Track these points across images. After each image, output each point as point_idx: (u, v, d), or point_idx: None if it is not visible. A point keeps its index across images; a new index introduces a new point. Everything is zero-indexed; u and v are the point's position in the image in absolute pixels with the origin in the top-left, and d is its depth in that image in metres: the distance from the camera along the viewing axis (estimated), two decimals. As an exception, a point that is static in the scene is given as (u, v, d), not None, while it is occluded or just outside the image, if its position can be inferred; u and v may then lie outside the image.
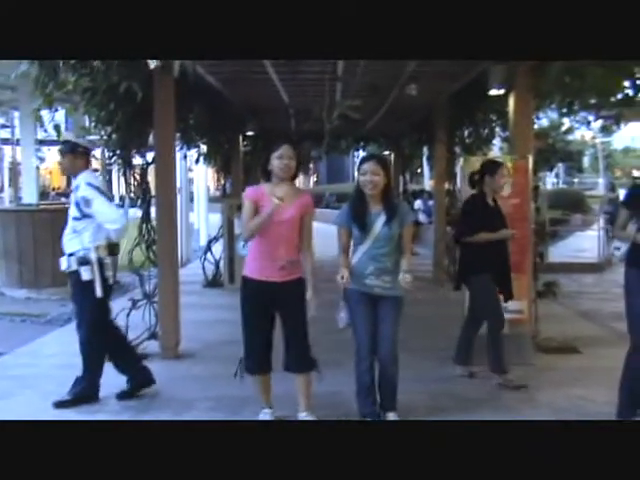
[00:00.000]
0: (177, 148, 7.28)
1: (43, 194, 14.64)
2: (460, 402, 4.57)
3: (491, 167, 4.96)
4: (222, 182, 10.06)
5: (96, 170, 6.23)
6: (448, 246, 9.46)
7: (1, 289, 9.21)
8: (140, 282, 5.98)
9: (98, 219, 4.43)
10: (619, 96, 5.35)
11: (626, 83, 5.25)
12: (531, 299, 5.62)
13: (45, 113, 5.52)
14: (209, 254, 9.81)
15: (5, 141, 22.43)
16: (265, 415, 4.12)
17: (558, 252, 12.22)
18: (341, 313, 4.11)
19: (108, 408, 4.49)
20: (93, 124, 5.52)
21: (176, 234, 6.10)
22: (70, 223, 4.53)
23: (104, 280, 4.48)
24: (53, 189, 32.20)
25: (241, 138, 10.74)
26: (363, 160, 4.15)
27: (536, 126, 7.84)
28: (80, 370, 4.60)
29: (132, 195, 6.00)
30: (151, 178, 5.94)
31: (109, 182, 10.65)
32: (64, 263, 4.51)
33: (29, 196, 11.40)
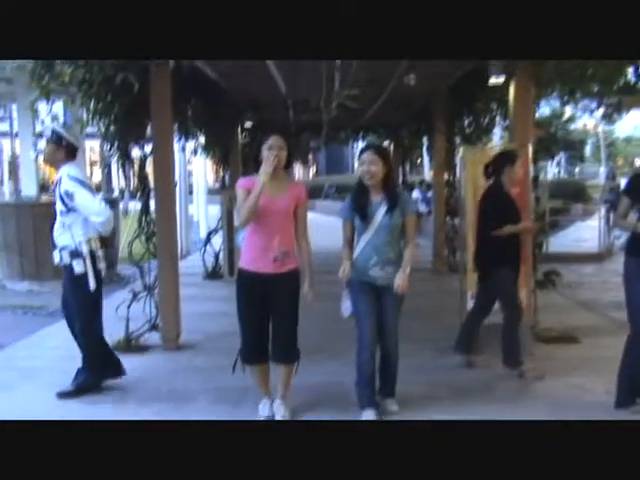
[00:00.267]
0: (175, 140, 7.26)
1: (43, 187, 14.62)
2: (459, 392, 4.58)
3: (511, 157, 4.92)
4: (221, 174, 10.05)
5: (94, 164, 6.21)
6: (448, 236, 9.48)
7: (3, 282, 9.24)
8: (140, 274, 5.98)
9: (82, 212, 4.41)
10: (621, 83, 5.33)
11: (629, 70, 5.22)
12: (530, 289, 5.62)
13: (42, 106, 5.49)
14: (209, 246, 9.82)
15: (4, 134, 22.41)
16: (265, 405, 4.15)
17: (558, 242, 12.20)
18: (346, 302, 4.14)
19: (110, 398, 4.51)
20: (90, 116, 5.50)
21: (175, 226, 6.10)
22: (58, 218, 4.51)
23: (96, 273, 4.48)
24: (52, 182, 32.17)
25: (240, 130, 10.72)
26: (362, 150, 4.17)
27: (537, 115, 7.79)
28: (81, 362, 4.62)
29: (131, 187, 5.98)
30: (150, 170, 5.93)
31: (108, 175, 10.65)
32: (56, 257, 4.52)
33: (29, 189, 11.39)
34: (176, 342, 5.79)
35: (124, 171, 5.93)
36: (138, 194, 5.96)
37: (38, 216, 8.79)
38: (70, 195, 4.38)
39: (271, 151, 3.82)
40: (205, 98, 7.74)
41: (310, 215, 4.21)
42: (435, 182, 10.16)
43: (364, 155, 4.05)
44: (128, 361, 4.99)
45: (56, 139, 4.52)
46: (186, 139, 8.83)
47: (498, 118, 8.21)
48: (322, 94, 5.31)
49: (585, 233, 14.34)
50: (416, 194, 15.15)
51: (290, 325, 3.99)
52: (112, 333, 5.44)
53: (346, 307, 4.14)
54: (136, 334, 5.72)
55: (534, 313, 5.77)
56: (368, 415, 4.00)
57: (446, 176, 9.56)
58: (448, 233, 9.44)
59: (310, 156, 28.24)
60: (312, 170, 39.06)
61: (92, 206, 4.39)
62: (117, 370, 4.73)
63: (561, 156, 37.05)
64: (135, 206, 6.03)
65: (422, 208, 14.50)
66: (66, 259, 4.46)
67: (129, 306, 5.74)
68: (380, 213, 4.03)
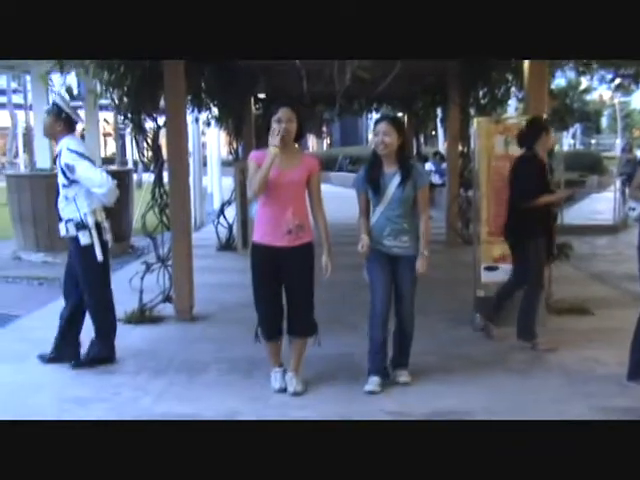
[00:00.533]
0: (188, 111, 7.24)
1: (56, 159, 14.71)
2: (472, 363, 4.60)
3: (545, 125, 4.85)
4: (234, 146, 10.03)
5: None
6: (461, 208, 9.43)
7: (18, 253, 9.33)
8: (154, 246, 6.02)
9: (84, 184, 4.40)
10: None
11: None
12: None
13: (56, 77, 5.48)
14: (222, 218, 9.84)
15: (18, 106, 22.45)
16: (276, 376, 4.17)
17: (574, 214, 12.11)
18: (366, 270, 4.17)
19: (124, 369, 4.56)
20: (104, 88, 5.49)
21: (189, 198, 6.12)
22: (61, 190, 4.51)
23: (103, 244, 4.51)
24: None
25: (253, 101, 10.65)
26: (377, 121, 4.18)
27: (552, 86, 7.68)
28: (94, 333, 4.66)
29: (145, 159, 6.00)
30: (163, 142, 5.93)
31: (122, 147, 10.66)
32: (62, 229, 4.52)
33: (43, 161, 11.45)
34: (189, 313, 5.84)
35: (137, 143, 5.93)
36: (152, 166, 5.98)
37: (52, 188, 8.78)
38: (71, 168, 4.37)
39: (280, 124, 3.80)
40: (218, 69, 7.69)
41: (324, 187, 4.20)
42: (449, 153, 10.08)
43: (379, 126, 4.05)
44: (142, 332, 5.06)
45: (56, 111, 4.51)
46: (199, 110, 8.80)
47: (514, 89, 8.10)
48: (334, 65, 5.27)
49: (600, 205, 14.21)
50: (429, 166, 15.01)
51: (305, 299, 3.99)
52: (126, 304, 5.52)
53: (367, 275, 4.18)
54: (150, 305, 5.77)
55: (548, 285, 5.76)
56: (371, 383, 4.06)
57: (460, 147, 9.48)
58: (462, 205, 9.39)
59: (324, 128, 28.09)
60: (326, 142, 38.85)
61: (94, 178, 4.38)
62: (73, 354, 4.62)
63: (577, 128, 36.58)
64: (149, 178, 6.03)
65: (436, 180, 14.37)
66: (72, 231, 4.46)
67: (142, 277, 5.79)
68: (393, 185, 4.03)
